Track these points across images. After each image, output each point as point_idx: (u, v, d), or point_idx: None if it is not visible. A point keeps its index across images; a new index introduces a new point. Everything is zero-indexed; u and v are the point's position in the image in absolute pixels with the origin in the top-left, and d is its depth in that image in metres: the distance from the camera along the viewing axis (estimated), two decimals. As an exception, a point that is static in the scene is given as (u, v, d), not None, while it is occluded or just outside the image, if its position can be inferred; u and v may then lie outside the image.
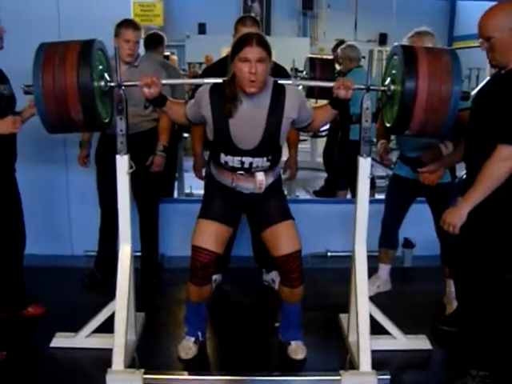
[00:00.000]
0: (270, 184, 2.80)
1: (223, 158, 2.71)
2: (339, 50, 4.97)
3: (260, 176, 2.71)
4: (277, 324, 3.23)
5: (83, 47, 2.58)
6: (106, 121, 2.83)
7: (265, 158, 2.69)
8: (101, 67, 2.73)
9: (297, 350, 3.05)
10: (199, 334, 3.09)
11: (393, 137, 3.81)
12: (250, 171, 2.71)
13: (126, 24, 3.50)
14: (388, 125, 2.87)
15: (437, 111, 2.54)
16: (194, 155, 3.59)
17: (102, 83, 2.70)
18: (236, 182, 2.75)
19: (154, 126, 3.71)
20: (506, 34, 2.40)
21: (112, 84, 2.77)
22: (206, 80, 2.79)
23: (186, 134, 5.24)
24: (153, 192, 3.89)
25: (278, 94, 2.65)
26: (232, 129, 2.62)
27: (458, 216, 2.53)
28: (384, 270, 3.85)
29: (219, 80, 2.68)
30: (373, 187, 5.16)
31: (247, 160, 2.68)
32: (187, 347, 3.05)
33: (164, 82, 2.80)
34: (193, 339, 3.07)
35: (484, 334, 2.68)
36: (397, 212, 3.67)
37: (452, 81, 2.52)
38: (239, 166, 2.70)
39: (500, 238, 2.59)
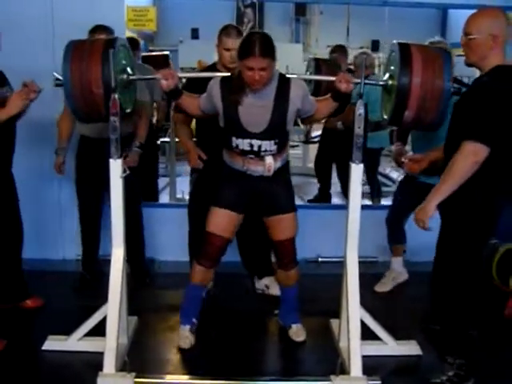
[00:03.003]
0: (278, 169, 2.97)
1: (234, 141, 2.89)
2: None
3: (269, 159, 2.90)
4: (276, 311, 3.39)
5: (107, 42, 2.80)
6: (128, 111, 2.98)
7: (272, 142, 2.88)
8: (124, 62, 2.89)
9: (297, 332, 3.27)
10: (193, 320, 3.21)
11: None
12: (259, 155, 2.89)
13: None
14: (386, 117, 2.96)
15: (432, 90, 2.67)
16: (186, 149, 3.51)
17: (125, 76, 2.88)
18: (247, 166, 2.93)
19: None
20: (484, 37, 2.53)
21: (132, 77, 2.94)
22: (218, 74, 3.05)
23: (177, 139, 5.23)
24: (134, 194, 3.76)
25: (284, 84, 2.86)
26: (241, 114, 2.84)
27: (425, 211, 2.58)
28: (396, 262, 4.01)
29: (228, 74, 2.96)
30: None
31: (256, 143, 2.86)
32: (184, 336, 3.16)
33: (181, 75, 3.01)
34: (188, 327, 3.19)
35: (456, 322, 2.77)
36: (400, 208, 3.82)
37: (443, 65, 2.69)
38: (249, 148, 2.87)
39: (472, 237, 2.67)
